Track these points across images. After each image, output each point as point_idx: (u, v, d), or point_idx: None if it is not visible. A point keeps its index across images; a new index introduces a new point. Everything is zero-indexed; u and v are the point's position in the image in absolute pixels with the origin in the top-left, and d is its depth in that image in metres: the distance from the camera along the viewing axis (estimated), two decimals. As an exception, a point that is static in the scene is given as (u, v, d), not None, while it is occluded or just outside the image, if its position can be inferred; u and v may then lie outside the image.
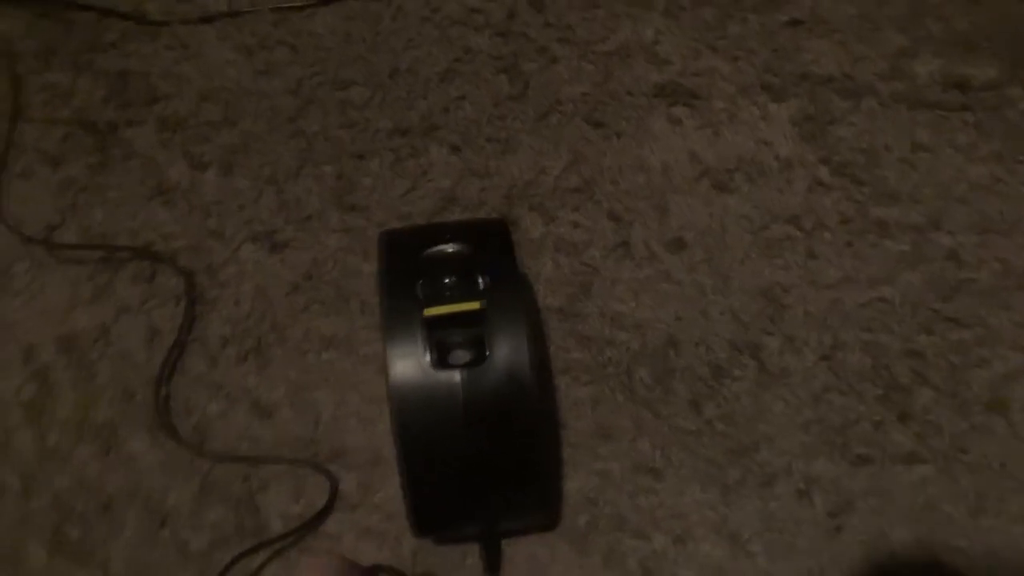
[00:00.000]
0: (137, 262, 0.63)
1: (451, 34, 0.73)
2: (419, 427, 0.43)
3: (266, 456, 0.57)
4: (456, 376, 0.43)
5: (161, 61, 0.71)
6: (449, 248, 0.46)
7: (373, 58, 0.72)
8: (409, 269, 0.45)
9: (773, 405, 0.57)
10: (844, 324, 0.60)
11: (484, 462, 0.44)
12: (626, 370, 0.59)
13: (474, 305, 0.44)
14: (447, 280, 0.45)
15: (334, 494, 0.56)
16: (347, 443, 0.57)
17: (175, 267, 0.62)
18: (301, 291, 0.62)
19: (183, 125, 0.68)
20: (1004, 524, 0.54)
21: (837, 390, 0.58)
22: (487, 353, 0.43)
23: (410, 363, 0.43)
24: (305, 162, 0.67)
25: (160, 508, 0.56)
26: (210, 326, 0.61)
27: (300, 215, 0.65)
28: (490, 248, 0.47)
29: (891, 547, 0.53)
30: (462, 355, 0.44)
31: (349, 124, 0.69)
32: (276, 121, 0.68)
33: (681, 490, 0.55)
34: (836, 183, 0.65)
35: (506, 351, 0.43)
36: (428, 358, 0.43)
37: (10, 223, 0.64)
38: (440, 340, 0.43)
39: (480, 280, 0.45)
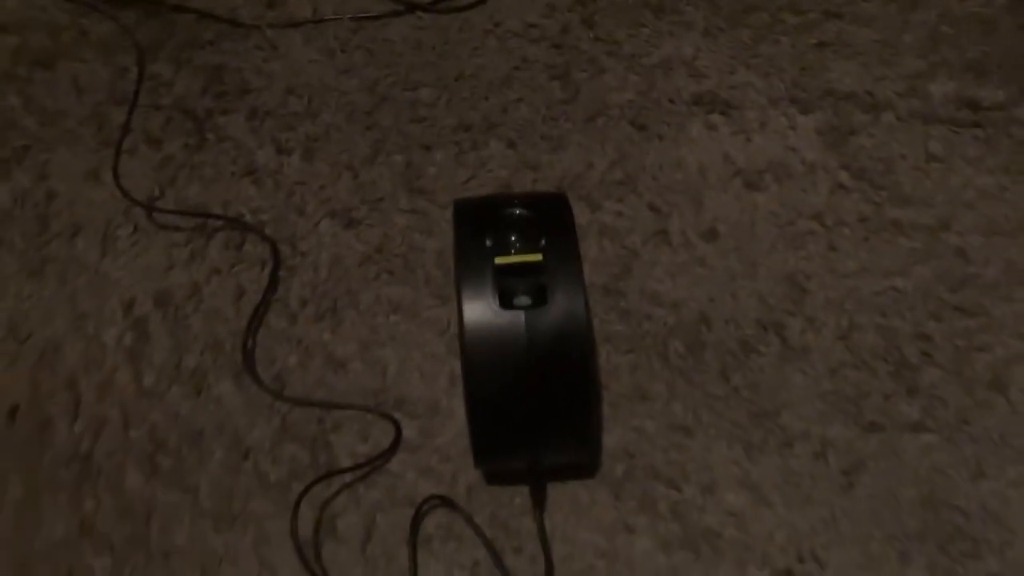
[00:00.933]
0: (228, 231, 0.71)
1: (510, 45, 0.81)
2: (485, 361, 0.50)
3: (338, 402, 0.64)
4: (520, 316, 0.50)
5: (252, 59, 0.80)
6: (516, 211, 0.53)
7: (441, 64, 0.80)
8: (480, 226, 0.53)
9: (793, 377, 0.64)
10: (860, 308, 0.66)
11: (541, 394, 0.51)
12: (662, 341, 0.66)
13: (537, 257, 0.51)
14: (513, 237, 0.52)
15: (398, 437, 0.62)
16: (410, 394, 0.64)
17: (261, 237, 0.70)
18: (372, 262, 0.70)
19: (271, 115, 0.76)
20: (1002, 488, 0.59)
21: (852, 365, 0.64)
22: (547, 298, 0.50)
23: (480, 305, 0.50)
24: (378, 151, 0.75)
25: (243, 443, 0.63)
26: (291, 289, 0.69)
27: (373, 197, 0.72)
28: (552, 214, 0.54)
29: (897, 503, 0.59)
30: (525, 299, 0.51)
31: (418, 120, 0.76)
32: (353, 115, 0.76)
33: (709, 447, 0.62)
34: (855, 186, 0.72)
35: (564, 297, 0.50)
36: (496, 300, 0.50)
37: (122, 187, 0.71)
38: (506, 286, 0.51)
39: (542, 239, 0.52)
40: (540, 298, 0.50)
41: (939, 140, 0.74)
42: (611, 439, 0.62)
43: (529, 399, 0.51)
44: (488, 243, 0.52)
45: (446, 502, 0.59)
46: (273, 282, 0.69)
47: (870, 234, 0.70)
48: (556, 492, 0.60)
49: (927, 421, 0.62)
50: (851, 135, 0.75)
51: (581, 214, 0.71)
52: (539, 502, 0.59)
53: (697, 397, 0.63)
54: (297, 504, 0.58)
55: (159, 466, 0.62)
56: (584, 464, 0.60)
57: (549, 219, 0.54)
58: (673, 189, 0.73)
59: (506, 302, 0.50)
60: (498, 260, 0.51)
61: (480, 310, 0.50)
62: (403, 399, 0.64)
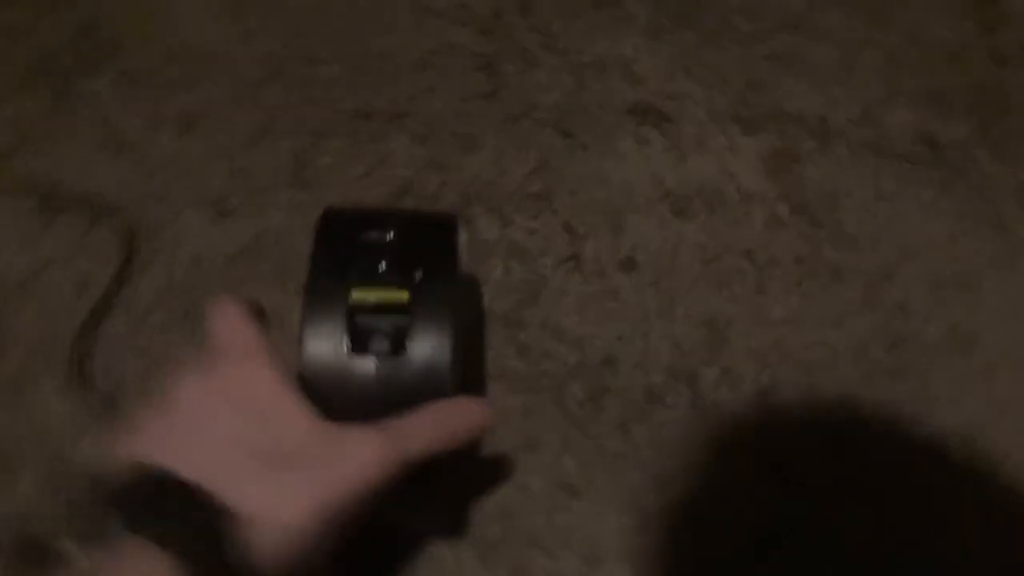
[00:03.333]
0: (75, 212, 0.61)
1: (431, 24, 0.72)
2: (327, 411, 0.42)
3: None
4: (371, 364, 0.41)
5: (129, 12, 0.69)
6: (390, 235, 0.44)
7: (348, 37, 0.70)
8: (344, 248, 0.44)
9: (701, 436, 0.56)
10: (784, 363, 0.59)
11: None
12: (561, 384, 0.58)
13: (402, 296, 0.42)
14: (381, 266, 0.43)
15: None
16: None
17: (113, 223, 0.61)
18: (239, 264, 0.61)
19: (144, 80, 0.67)
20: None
21: (768, 426, 0.57)
22: (407, 345, 0.42)
23: (326, 344, 0.41)
24: (264, 134, 0.65)
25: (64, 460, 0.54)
26: (140, 289, 0.59)
27: (249, 186, 0.63)
28: (432, 242, 0.45)
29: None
30: (382, 344, 0.42)
31: (313, 101, 0.67)
32: (238, 89, 0.67)
33: (599, 512, 0.54)
34: (794, 222, 0.64)
35: (427, 347, 0.42)
36: (345, 342, 0.42)
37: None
38: (362, 326, 0.42)
39: (417, 272, 0.43)
40: (399, 345, 0.42)
41: (891, 177, 0.67)
42: (490, 495, 0.54)
43: None
44: (350, 270, 0.43)
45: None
46: (120, 279, 0.59)
47: (804, 278, 0.62)
48: (421, 552, 0.53)
49: (847, 494, 0.55)
50: (795, 163, 0.67)
51: (488, 228, 0.63)
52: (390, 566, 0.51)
53: (592, 452, 0.56)
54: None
55: (-43, 486, 0.53)
56: (445, 533, 0.52)
57: (429, 249, 0.45)
58: (593, 208, 0.64)
59: (358, 346, 0.42)
60: (356, 294, 0.42)
61: (324, 352, 0.41)
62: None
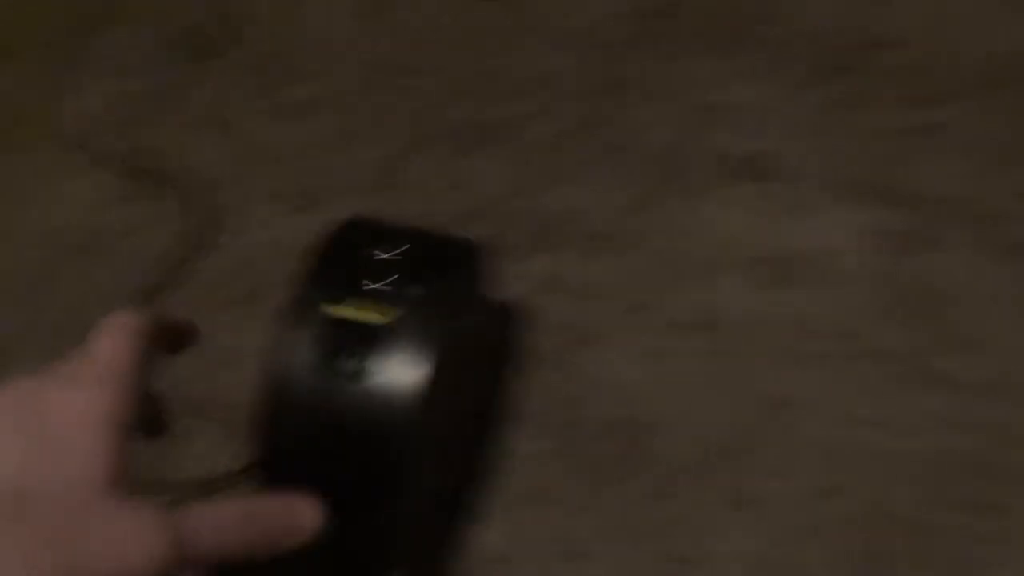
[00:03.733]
0: (160, 184, 0.64)
1: (546, 49, 0.70)
2: (275, 424, 0.40)
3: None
4: (335, 385, 0.39)
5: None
6: (397, 252, 0.42)
7: (462, 52, 0.69)
8: (346, 260, 0.42)
9: (732, 528, 0.50)
10: (851, 469, 0.52)
11: (340, 490, 0.40)
12: (593, 437, 0.54)
13: (380, 318, 0.40)
14: (378, 285, 0.41)
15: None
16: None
17: (195, 199, 0.62)
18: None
19: (258, 68, 0.69)
20: None
21: (810, 536, 0.50)
22: (369, 374, 0.39)
23: (294, 350, 0.40)
24: (359, 136, 0.66)
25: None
26: (207, 267, 0.61)
27: (334, 185, 0.64)
28: (443, 267, 0.43)
29: None
30: (354, 365, 0.40)
31: (414, 111, 0.67)
32: (346, 88, 0.68)
33: (602, 587, 0.49)
34: (899, 313, 0.57)
35: (394, 382, 0.39)
36: (315, 355, 0.40)
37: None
38: (336, 343, 0.40)
39: (410, 295, 0.41)
40: (363, 369, 0.40)
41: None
42: (488, 544, 0.51)
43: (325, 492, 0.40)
44: (345, 281, 0.41)
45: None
46: (188, 252, 0.61)
47: (900, 379, 0.55)
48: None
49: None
50: (914, 248, 0.59)
51: (559, 262, 0.60)
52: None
53: (611, 518, 0.51)
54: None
55: None
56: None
57: (435, 273, 0.42)
58: (680, 259, 0.60)
59: (328, 363, 0.40)
60: (332, 308, 0.40)
61: (289, 355, 0.40)
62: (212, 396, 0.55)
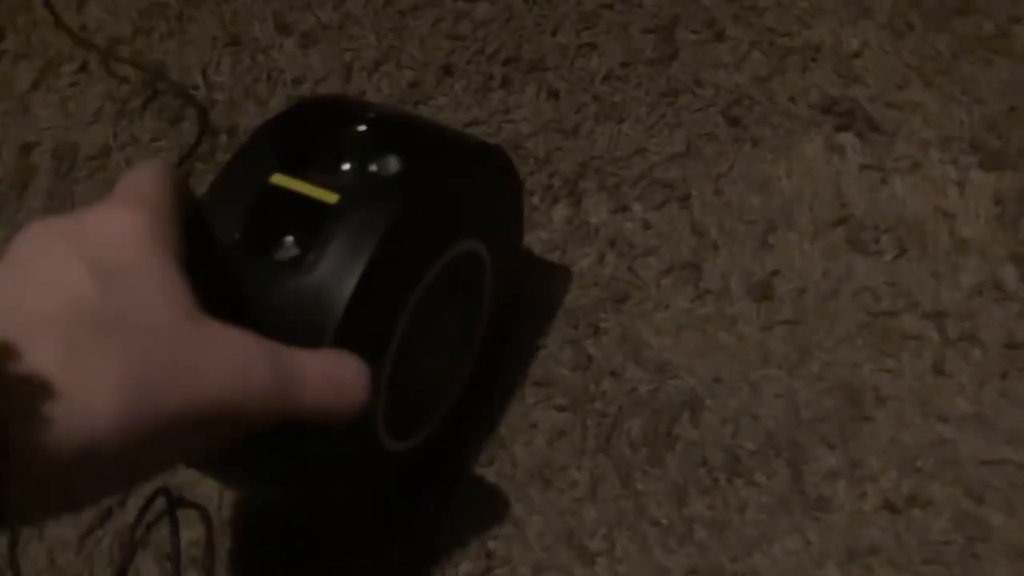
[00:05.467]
0: (171, 100, 0.57)
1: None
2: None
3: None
4: (260, 267, 0.31)
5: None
6: (388, 131, 0.34)
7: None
8: (315, 130, 0.34)
9: (785, 537, 0.40)
10: (941, 475, 0.41)
11: None
12: (616, 414, 0.44)
13: (329, 196, 0.31)
14: (346, 163, 0.33)
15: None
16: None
17: (203, 117, 0.55)
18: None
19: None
20: None
21: (885, 556, 0.39)
22: (306, 259, 0.30)
23: (218, 227, 0.31)
24: (388, 58, 0.57)
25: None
26: (202, 188, 0.53)
27: (352, 108, 0.55)
28: (440, 159, 0.34)
29: None
30: (288, 249, 0.31)
31: (456, 36, 0.58)
32: (381, 8, 0.60)
33: (608, 592, 0.39)
34: (1019, 291, 0.45)
35: (330, 269, 0.30)
36: (241, 234, 0.31)
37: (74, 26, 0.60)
38: (272, 221, 0.32)
39: (381, 170, 0.32)
40: (303, 255, 0.31)
41: None
42: (476, 524, 0.41)
43: None
44: (305, 151, 0.33)
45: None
46: (186, 170, 0.54)
47: (1009, 372, 0.43)
48: None
49: None
50: (1044, 221, 0.48)
51: (597, 209, 0.50)
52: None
53: (627, 512, 0.41)
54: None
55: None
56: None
57: (422, 157, 0.34)
58: (738, 214, 0.50)
59: (254, 243, 0.31)
60: (275, 179, 0.32)
61: (210, 235, 0.31)
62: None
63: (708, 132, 0.53)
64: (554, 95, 0.55)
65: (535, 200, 0.51)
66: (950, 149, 0.51)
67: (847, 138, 0.52)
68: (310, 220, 0.31)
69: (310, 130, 0.34)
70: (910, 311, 0.46)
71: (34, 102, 0.58)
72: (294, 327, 0.30)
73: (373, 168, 0.32)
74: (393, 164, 0.32)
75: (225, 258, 0.31)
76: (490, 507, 0.41)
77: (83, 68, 0.59)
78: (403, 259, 0.32)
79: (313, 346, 0.30)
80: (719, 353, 0.45)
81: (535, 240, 0.50)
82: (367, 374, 0.30)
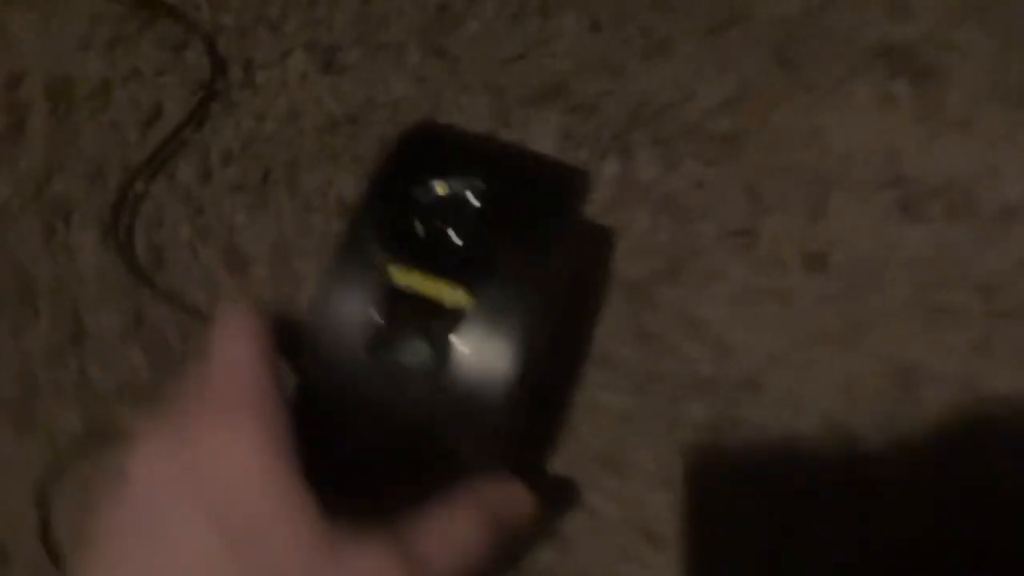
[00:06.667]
0: (171, 23, 0.51)
1: None
2: (322, 426, 0.30)
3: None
4: (393, 375, 0.30)
5: None
6: (480, 189, 0.31)
7: None
8: (408, 195, 0.31)
9: (850, 537, 0.42)
10: (996, 459, 0.43)
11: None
12: (679, 397, 0.45)
13: (459, 296, 0.29)
14: (454, 235, 0.31)
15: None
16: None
17: (211, 47, 0.50)
18: (339, 133, 0.49)
19: None
20: None
21: (929, 548, 0.42)
22: (448, 364, 0.29)
23: (339, 332, 0.30)
24: (406, -18, 0.52)
25: (79, 320, 0.46)
26: (221, 132, 0.49)
27: (376, 40, 0.51)
28: (540, 213, 0.32)
29: None
30: (419, 350, 0.30)
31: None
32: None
33: None
34: (1069, 264, 0.47)
35: (477, 379, 0.29)
36: (364, 337, 0.30)
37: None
38: (393, 320, 0.30)
39: (496, 260, 0.30)
40: (438, 360, 0.30)
41: None
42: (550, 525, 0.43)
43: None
44: (403, 233, 0.31)
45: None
46: (200, 114, 0.49)
47: (1056, 347, 0.45)
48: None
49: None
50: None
51: (648, 166, 0.49)
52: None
53: (688, 500, 0.43)
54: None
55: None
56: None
57: (530, 222, 0.31)
58: (793, 174, 0.49)
59: (381, 347, 0.30)
60: (396, 274, 0.30)
61: (333, 343, 0.30)
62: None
63: (761, 73, 0.50)
64: (596, 26, 0.51)
65: (583, 154, 0.49)
66: (1006, 98, 0.50)
67: (900, 86, 0.50)
68: (442, 322, 0.29)
69: (417, 205, 0.31)
70: (956, 283, 0.46)
71: (11, 22, 0.51)
72: (455, 438, 0.29)
73: (493, 247, 0.30)
74: (517, 251, 0.30)
75: (352, 367, 0.30)
76: (563, 494, 0.43)
77: (61, -20, 0.52)
78: (542, 339, 0.31)
79: (473, 449, 0.29)
80: (772, 328, 0.46)
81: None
82: (526, 496, 0.30)
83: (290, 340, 0.31)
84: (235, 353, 0.29)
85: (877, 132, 0.49)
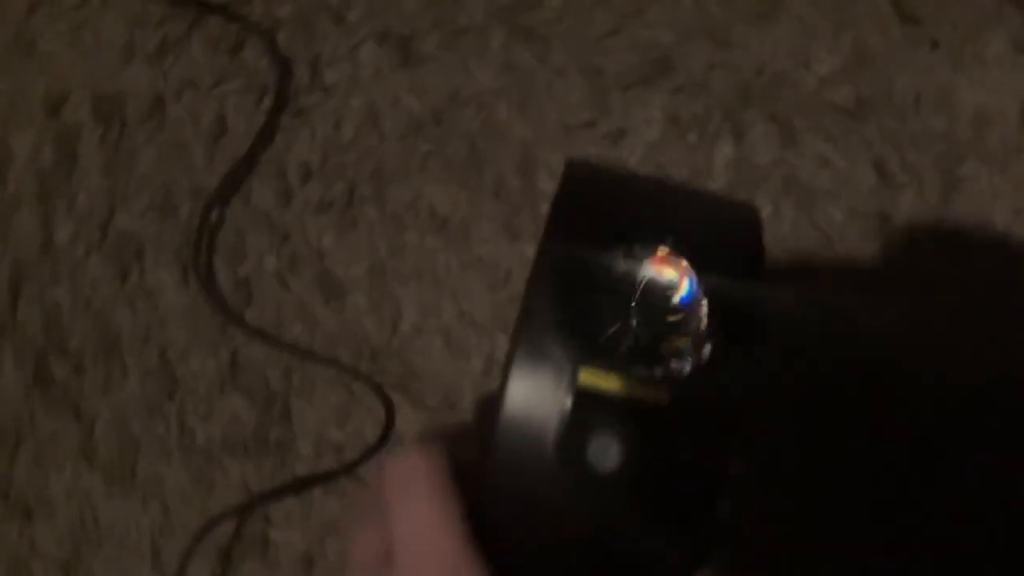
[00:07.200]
0: (224, 23, 0.45)
1: None
2: (511, 534, 0.28)
3: (319, 353, 0.43)
4: (586, 485, 0.26)
5: None
6: (662, 259, 0.27)
7: None
8: (588, 269, 0.28)
9: None
10: None
11: None
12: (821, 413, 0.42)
13: (658, 393, 0.26)
14: (637, 317, 0.27)
15: (387, 429, 0.42)
16: (423, 367, 0.43)
17: (271, 46, 0.45)
18: (424, 135, 0.45)
19: None
20: None
21: None
22: (646, 471, 0.26)
23: (526, 439, 0.26)
24: (480, -52, 0.46)
25: (172, 372, 0.43)
26: (296, 144, 0.45)
27: (454, 24, 0.46)
28: (727, 284, 0.28)
29: None
30: (611, 452, 0.27)
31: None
32: None
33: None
34: None
35: (683, 484, 0.26)
36: (553, 444, 0.26)
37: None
38: (582, 421, 0.27)
39: (695, 339, 0.27)
40: (642, 458, 0.26)
41: None
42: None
43: None
44: (588, 325, 0.27)
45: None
46: (272, 126, 0.45)
47: None
48: None
49: None
50: None
51: (766, 146, 0.44)
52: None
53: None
54: (204, 531, 0.40)
55: (49, 373, 0.43)
56: None
57: (720, 291, 0.28)
58: (923, 143, 0.45)
59: (572, 453, 0.27)
60: (583, 376, 0.26)
61: (520, 451, 0.27)
62: (411, 373, 0.43)
63: (881, 31, 0.46)
64: (692, -9, 0.46)
65: (692, 138, 0.45)
66: None
67: (1007, 51, 0.45)
68: (637, 421, 0.26)
69: (599, 289, 0.27)
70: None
71: (39, 36, 0.46)
72: (646, 551, 0.27)
73: (696, 331, 0.27)
74: (722, 330, 0.27)
75: (539, 477, 0.27)
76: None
77: (93, -20, 0.46)
78: (755, 438, 0.28)
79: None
80: (925, 333, 0.43)
81: (701, 192, 0.44)
82: None
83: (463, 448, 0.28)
84: (421, 516, 0.25)
85: (1013, 88, 0.45)
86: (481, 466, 0.28)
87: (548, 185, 0.43)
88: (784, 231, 0.44)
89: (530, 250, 0.30)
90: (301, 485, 0.41)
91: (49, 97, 0.45)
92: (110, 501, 0.42)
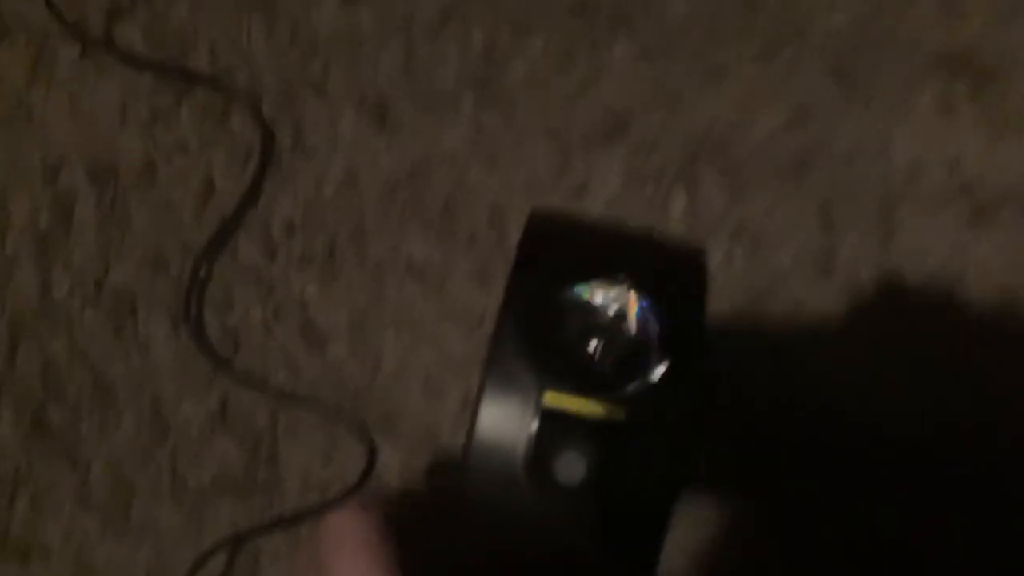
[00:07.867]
0: (211, 92, 0.49)
1: None
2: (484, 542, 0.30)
3: (304, 397, 0.45)
4: (551, 496, 0.29)
5: None
6: (617, 292, 0.31)
7: None
8: (551, 303, 0.31)
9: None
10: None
11: None
12: (783, 460, 0.45)
13: (614, 410, 0.29)
14: (596, 344, 0.30)
15: (368, 468, 0.44)
16: (403, 408, 0.45)
17: (256, 113, 0.48)
18: (401, 192, 0.48)
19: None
20: None
21: None
22: (604, 480, 0.29)
23: (498, 457, 0.29)
24: (452, 17, 0.50)
25: (163, 420, 0.45)
26: (280, 203, 0.48)
27: (426, 88, 0.49)
28: (675, 314, 0.31)
29: None
30: (573, 467, 0.29)
31: (524, -18, 0.51)
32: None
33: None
34: None
35: (637, 492, 0.29)
36: (523, 458, 0.29)
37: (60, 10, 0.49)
38: (550, 439, 0.29)
39: (646, 373, 0.30)
40: (603, 472, 0.29)
41: None
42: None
43: None
44: (551, 353, 0.30)
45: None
46: (257, 186, 0.48)
47: None
48: None
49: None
50: None
51: (716, 197, 0.48)
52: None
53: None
54: (197, 565, 0.42)
55: (47, 421, 0.45)
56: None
57: (677, 332, 0.31)
58: (861, 192, 0.48)
59: (539, 468, 0.29)
60: (548, 398, 0.29)
61: (493, 468, 0.29)
62: (392, 413, 0.45)
63: (818, 91, 0.50)
64: (647, 55, 0.50)
65: (649, 191, 0.48)
66: (1062, 97, 0.50)
67: (960, 89, 0.50)
68: (597, 438, 0.29)
69: (560, 321, 0.30)
70: (1033, 289, 0.47)
71: (35, 103, 0.49)
72: (607, 556, 0.29)
73: (645, 356, 0.30)
74: (668, 356, 0.30)
75: (510, 490, 0.29)
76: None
77: (83, 54, 0.49)
78: (701, 450, 0.31)
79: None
80: (866, 367, 0.46)
81: (659, 240, 0.48)
82: None
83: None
84: (354, 569, 0.27)
85: (940, 141, 0.49)
86: (455, 484, 0.30)
87: (517, 236, 0.46)
88: (736, 276, 0.47)
89: (501, 294, 0.33)
90: (288, 522, 0.43)
91: (46, 163, 0.48)
92: (105, 543, 0.44)
